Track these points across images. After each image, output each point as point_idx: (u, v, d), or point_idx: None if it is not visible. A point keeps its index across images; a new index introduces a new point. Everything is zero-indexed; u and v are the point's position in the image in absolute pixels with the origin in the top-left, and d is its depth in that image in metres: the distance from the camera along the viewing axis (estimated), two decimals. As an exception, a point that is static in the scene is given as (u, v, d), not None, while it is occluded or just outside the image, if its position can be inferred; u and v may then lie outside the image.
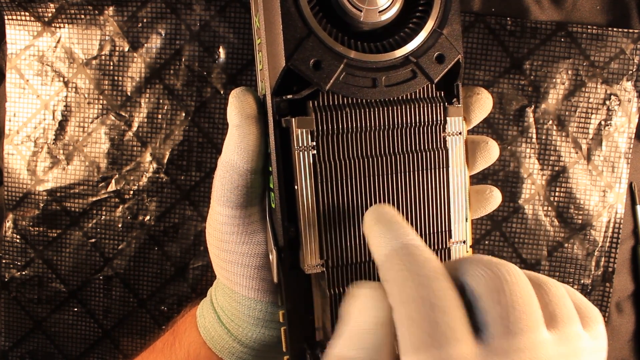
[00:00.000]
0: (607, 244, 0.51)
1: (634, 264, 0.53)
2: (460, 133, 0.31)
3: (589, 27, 0.50)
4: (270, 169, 0.31)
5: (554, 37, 0.50)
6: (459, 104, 0.32)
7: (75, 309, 0.55)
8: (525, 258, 0.52)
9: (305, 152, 0.29)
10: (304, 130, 0.29)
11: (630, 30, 0.49)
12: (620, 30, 0.50)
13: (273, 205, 0.31)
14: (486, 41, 0.50)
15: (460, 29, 0.30)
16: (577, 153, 0.51)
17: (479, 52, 0.50)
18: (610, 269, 0.52)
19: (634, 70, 0.50)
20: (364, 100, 0.29)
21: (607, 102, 0.50)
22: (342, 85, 0.29)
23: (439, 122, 0.30)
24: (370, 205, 0.30)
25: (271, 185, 0.31)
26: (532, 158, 0.51)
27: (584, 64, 0.50)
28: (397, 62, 0.29)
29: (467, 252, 0.32)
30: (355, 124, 0.29)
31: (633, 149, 0.51)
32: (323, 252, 0.30)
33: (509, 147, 0.51)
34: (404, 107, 0.30)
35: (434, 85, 0.30)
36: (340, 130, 0.29)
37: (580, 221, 0.51)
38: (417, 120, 0.30)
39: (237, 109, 0.30)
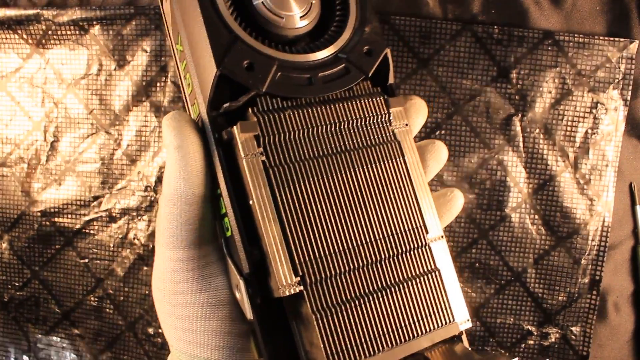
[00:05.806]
0: (594, 252, 0.51)
1: (634, 264, 0.53)
2: (406, 124, 0.31)
3: (575, 35, 0.49)
4: (219, 191, 0.28)
5: (540, 46, 0.49)
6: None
7: (67, 332, 0.56)
8: (512, 266, 0.52)
9: (254, 159, 0.27)
10: (249, 135, 0.27)
11: (616, 39, 0.49)
12: (606, 39, 0.49)
13: (228, 234, 0.29)
14: (473, 50, 0.50)
15: (379, 27, 0.31)
16: (564, 162, 0.51)
17: (466, 60, 0.50)
18: (597, 277, 0.52)
19: (620, 78, 0.49)
20: (304, 100, 0.29)
21: (594, 111, 0.50)
22: (280, 85, 0.28)
23: (383, 114, 0.30)
24: (336, 205, 0.28)
25: (223, 211, 0.29)
26: (519, 167, 0.51)
27: (571, 72, 0.49)
28: (328, 61, 0.30)
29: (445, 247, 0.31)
30: (299, 124, 0.28)
31: (632, 149, 0.51)
32: (297, 267, 0.26)
33: (495, 156, 0.51)
34: (345, 103, 0.29)
35: (369, 82, 0.31)
36: (286, 132, 0.28)
37: (567, 229, 0.51)
38: (361, 115, 0.30)
39: (176, 129, 0.28)
